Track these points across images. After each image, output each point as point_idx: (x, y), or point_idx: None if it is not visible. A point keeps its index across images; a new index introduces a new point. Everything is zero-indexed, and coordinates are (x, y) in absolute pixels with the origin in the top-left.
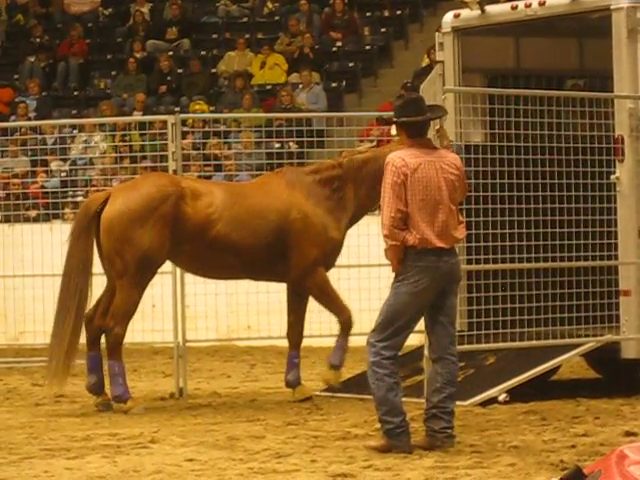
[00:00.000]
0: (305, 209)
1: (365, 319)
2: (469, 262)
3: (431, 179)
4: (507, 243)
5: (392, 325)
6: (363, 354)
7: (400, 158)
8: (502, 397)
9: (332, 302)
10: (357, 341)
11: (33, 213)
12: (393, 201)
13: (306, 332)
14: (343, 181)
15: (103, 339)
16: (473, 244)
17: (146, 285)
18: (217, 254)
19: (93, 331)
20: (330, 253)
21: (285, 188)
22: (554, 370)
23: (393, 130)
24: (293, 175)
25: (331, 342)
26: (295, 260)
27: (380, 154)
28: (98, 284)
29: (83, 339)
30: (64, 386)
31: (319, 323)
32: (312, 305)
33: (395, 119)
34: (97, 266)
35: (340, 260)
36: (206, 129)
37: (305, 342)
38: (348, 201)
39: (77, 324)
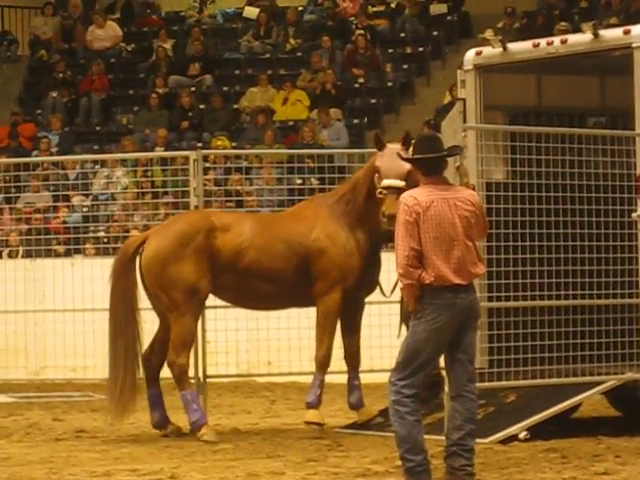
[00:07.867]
0: (327, 228)
1: (385, 355)
2: (490, 299)
3: (444, 216)
4: (528, 280)
5: (412, 363)
6: (384, 391)
7: (412, 197)
8: (522, 435)
9: (324, 334)
10: (378, 378)
11: (61, 248)
12: (406, 240)
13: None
14: (352, 193)
15: (162, 374)
16: (494, 281)
17: (197, 313)
18: (252, 282)
19: (151, 369)
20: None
21: (311, 211)
22: (575, 408)
23: None
24: (320, 199)
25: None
26: (316, 278)
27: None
28: (147, 319)
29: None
30: (122, 422)
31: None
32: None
33: (410, 156)
34: (145, 301)
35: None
36: (228, 165)
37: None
38: (359, 210)
39: (129, 361)
